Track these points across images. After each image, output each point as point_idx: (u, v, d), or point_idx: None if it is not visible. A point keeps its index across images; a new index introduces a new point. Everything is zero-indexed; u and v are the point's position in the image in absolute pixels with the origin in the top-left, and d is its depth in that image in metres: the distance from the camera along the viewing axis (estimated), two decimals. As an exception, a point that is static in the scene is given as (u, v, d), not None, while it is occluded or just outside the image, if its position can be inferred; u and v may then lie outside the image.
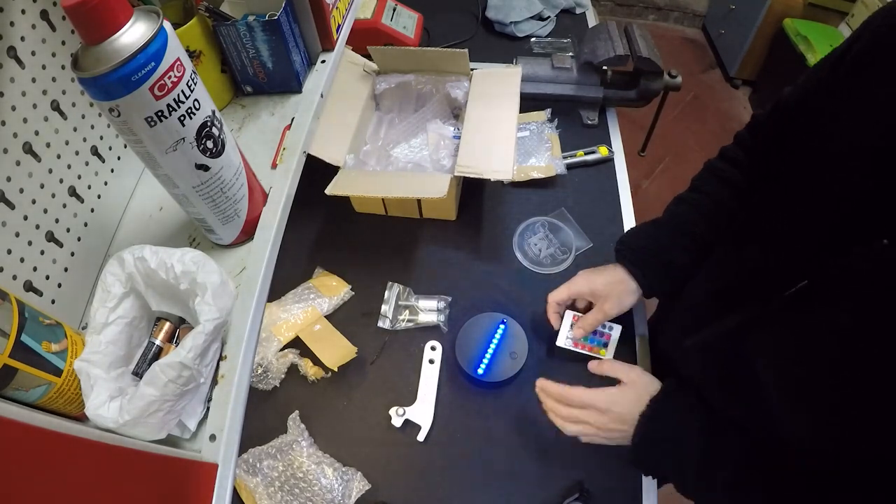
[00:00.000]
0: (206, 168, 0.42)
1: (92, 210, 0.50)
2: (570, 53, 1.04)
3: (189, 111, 0.38)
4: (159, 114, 0.36)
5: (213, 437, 0.42)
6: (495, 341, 0.74)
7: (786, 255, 0.48)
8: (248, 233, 0.50)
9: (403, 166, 0.86)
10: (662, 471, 0.58)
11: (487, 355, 0.72)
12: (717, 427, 0.53)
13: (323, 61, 0.63)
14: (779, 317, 0.48)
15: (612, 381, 0.60)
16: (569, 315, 0.72)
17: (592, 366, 0.63)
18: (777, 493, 0.48)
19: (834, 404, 0.43)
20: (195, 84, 0.39)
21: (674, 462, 0.54)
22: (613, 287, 0.68)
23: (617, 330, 0.72)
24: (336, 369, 0.71)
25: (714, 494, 0.52)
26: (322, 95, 0.60)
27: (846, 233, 0.41)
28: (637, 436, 0.55)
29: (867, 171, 0.41)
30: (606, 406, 0.57)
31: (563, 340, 0.72)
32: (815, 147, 0.47)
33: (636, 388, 0.58)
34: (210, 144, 0.41)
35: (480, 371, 0.71)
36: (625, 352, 0.74)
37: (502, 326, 0.75)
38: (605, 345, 0.72)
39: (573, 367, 0.73)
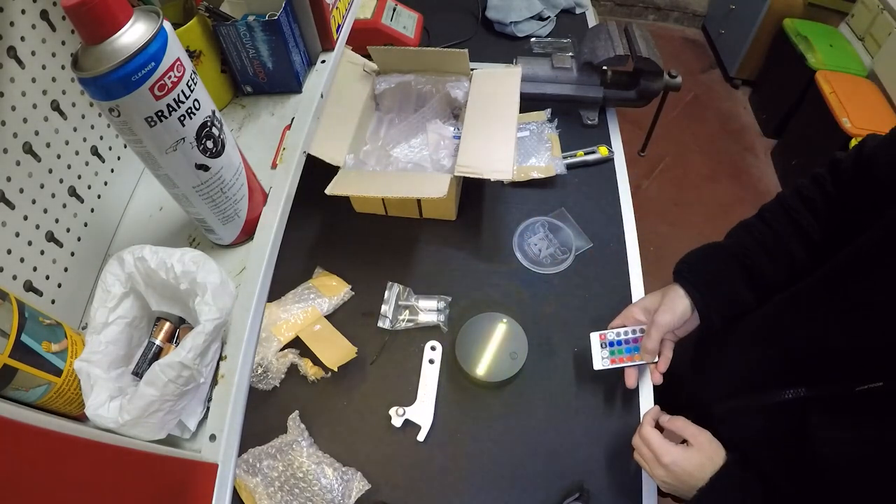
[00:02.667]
0: (206, 168, 0.42)
1: (92, 210, 0.50)
2: (570, 53, 1.04)
3: (189, 111, 0.38)
4: (159, 114, 0.36)
5: (213, 437, 0.42)
6: (495, 341, 0.74)
7: (868, 343, 0.46)
8: (248, 233, 0.50)
9: (403, 166, 0.86)
10: None
11: (488, 355, 0.72)
12: None
13: (323, 61, 0.63)
14: (850, 407, 0.47)
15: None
16: (594, 336, 0.68)
17: (664, 420, 0.60)
18: None
19: None
20: (195, 84, 0.39)
21: None
22: (667, 302, 0.64)
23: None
24: (336, 369, 0.71)
25: None
26: (322, 95, 0.60)
27: None
28: None
29: None
30: (669, 461, 0.56)
31: (598, 363, 0.67)
32: None
33: (702, 453, 0.56)
34: (210, 144, 0.41)
35: (481, 371, 0.71)
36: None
37: (502, 326, 0.75)
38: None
39: (574, 371, 0.73)
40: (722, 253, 0.64)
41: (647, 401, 0.70)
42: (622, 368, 0.67)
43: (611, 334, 0.68)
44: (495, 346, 0.73)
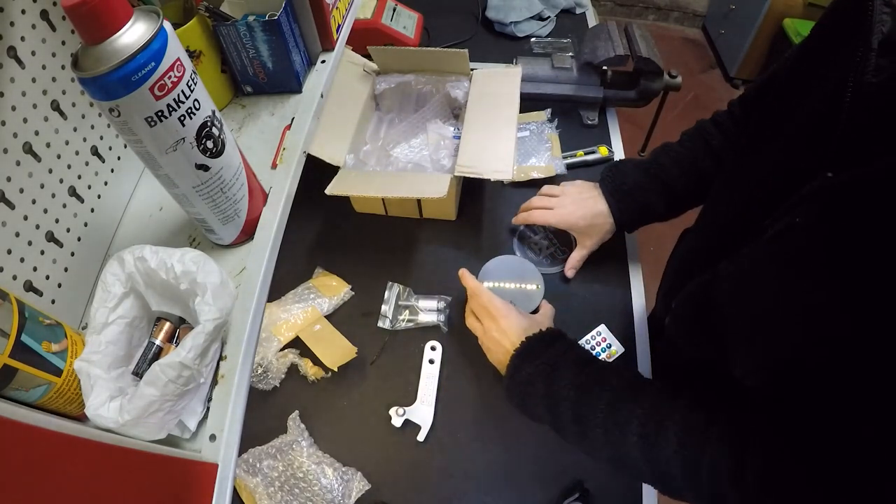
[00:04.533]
0: (206, 168, 0.42)
1: (92, 210, 0.50)
2: (570, 53, 1.04)
3: (189, 111, 0.38)
4: (159, 114, 0.36)
5: (213, 437, 0.42)
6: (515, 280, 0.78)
7: (750, 207, 0.49)
8: (248, 233, 0.50)
9: (403, 166, 0.86)
10: (531, 406, 0.59)
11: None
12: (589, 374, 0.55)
13: (323, 61, 0.63)
14: (743, 263, 0.48)
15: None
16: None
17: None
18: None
19: (780, 336, 0.43)
20: (195, 84, 0.39)
21: (544, 390, 0.56)
22: (592, 223, 0.75)
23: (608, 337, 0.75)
24: (336, 369, 0.71)
25: (594, 419, 0.52)
26: (322, 95, 0.60)
27: (798, 174, 0.43)
28: (511, 364, 0.60)
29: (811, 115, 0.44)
30: (502, 314, 0.63)
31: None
32: (775, 109, 0.51)
33: (535, 321, 0.64)
34: (210, 144, 0.41)
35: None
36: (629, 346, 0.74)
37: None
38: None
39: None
40: (641, 167, 0.74)
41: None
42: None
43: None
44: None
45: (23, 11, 0.41)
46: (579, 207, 0.76)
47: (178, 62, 0.36)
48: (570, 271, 0.80)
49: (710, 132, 0.70)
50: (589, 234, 0.76)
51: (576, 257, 0.78)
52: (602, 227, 0.75)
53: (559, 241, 0.86)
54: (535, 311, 0.76)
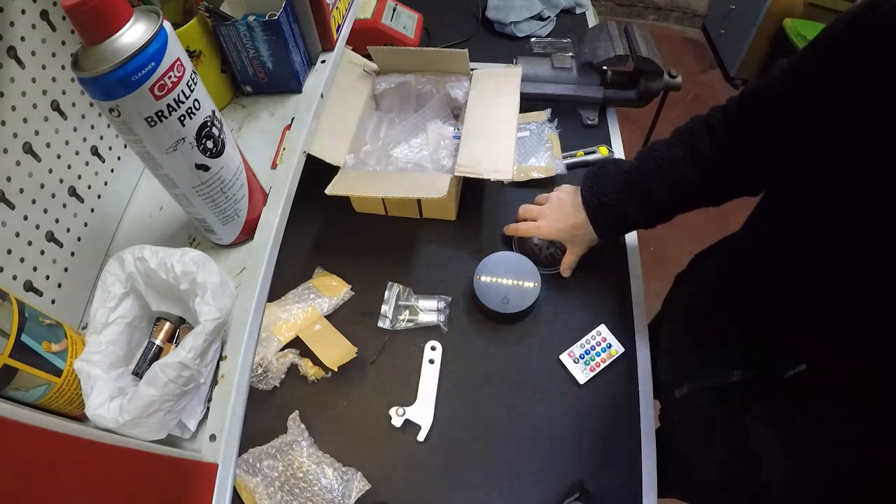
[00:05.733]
0: (206, 168, 0.42)
1: (92, 210, 0.50)
2: (570, 53, 1.04)
3: (189, 111, 0.38)
4: (159, 114, 0.36)
5: (213, 437, 0.42)
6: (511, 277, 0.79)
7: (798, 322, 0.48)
8: (248, 233, 0.50)
9: (403, 166, 0.86)
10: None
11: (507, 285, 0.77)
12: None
13: (323, 61, 0.63)
14: (779, 395, 0.49)
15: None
16: (565, 357, 0.74)
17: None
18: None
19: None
20: (195, 84, 0.39)
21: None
22: (573, 234, 0.77)
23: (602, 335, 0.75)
24: (336, 369, 0.71)
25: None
26: (322, 95, 0.60)
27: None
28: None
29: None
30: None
31: (582, 377, 0.73)
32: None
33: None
34: (210, 144, 0.41)
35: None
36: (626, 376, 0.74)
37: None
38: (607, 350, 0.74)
39: (574, 371, 0.73)
40: (622, 176, 0.71)
41: (646, 400, 0.70)
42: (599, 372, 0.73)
43: (576, 349, 0.74)
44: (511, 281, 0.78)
45: (23, 11, 0.41)
46: (559, 220, 0.77)
47: (178, 62, 0.36)
48: (565, 272, 0.81)
49: (701, 138, 0.65)
50: (573, 243, 0.78)
51: (567, 260, 0.79)
52: (583, 237, 0.76)
53: (556, 243, 0.85)
54: (531, 310, 0.76)
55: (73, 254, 0.47)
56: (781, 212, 0.51)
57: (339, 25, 0.63)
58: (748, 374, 0.53)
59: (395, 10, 1.09)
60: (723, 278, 0.64)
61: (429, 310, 0.78)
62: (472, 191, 0.92)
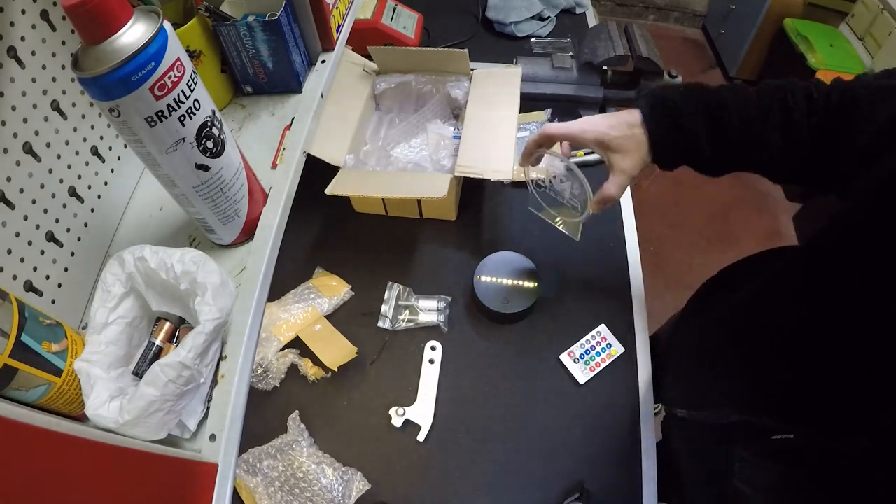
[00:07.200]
0: (206, 168, 0.42)
1: (92, 210, 0.50)
2: (570, 53, 1.04)
3: (189, 111, 0.38)
4: (159, 114, 0.36)
5: (213, 437, 0.42)
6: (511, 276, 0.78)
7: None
8: (248, 233, 0.50)
9: (403, 166, 0.86)
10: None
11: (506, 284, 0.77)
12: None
13: (323, 61, 0.63)
14: (763, 451, 0.49)
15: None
16: (565, 357, 0.73)
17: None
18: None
19: None
20: (195, 84, 0.39)
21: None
22: (626, 134, 0.56)
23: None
24: (336, 369, 0.71)
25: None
26: (322, 95, 0.60)
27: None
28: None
29: None
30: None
31: (582, 377, 0.72)
32: None
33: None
34: (210, 144, 0.41)
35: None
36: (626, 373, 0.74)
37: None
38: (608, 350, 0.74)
39: (573, 371, 0.73)
40: (695, 96, 0.55)
41: (646, 400, 0.70)
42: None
43: (576, 349, 0.74)
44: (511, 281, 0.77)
45: (23, 11, 0.41)
46: (605, 118, 0.58)
47: (178, 62, 0.36)
48: (601, 204, 0.60)
49: (798, 105, 0.51)
50: (624, 150, 0.56)
51: (612, 186, 0.57)
52: (638, 137, 0.56)
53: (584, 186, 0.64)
54: (531, 310, 0.76)
55: (73, 254, 0.47)
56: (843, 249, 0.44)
57: (339, 25, 0.63)
58: (742, 419, 0.53)
59: (395, 10, 1.09)
60: (747, 312, 0.57)
61: (429, 310, 0.78)
62: (472, 191, 0.92)
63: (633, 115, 0.56)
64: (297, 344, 0.75)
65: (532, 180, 0.68)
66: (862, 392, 0.40)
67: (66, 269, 0.46)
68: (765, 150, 0.53)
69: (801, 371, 0.46)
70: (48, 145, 0.44)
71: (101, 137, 0.51)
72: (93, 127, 0.50)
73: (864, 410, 0.40)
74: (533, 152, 0.63)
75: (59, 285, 0.46)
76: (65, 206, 0.46)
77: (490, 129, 0.80)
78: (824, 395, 0.44)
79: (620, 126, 0.56)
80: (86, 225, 0.49)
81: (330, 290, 0.80)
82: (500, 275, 0.77)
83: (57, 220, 0.45)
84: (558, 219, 0.70)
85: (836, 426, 0.43)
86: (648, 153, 0.56)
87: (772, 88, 0.54)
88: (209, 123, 0.41)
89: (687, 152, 0.56)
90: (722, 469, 0.55)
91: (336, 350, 0.73)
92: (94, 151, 0.50)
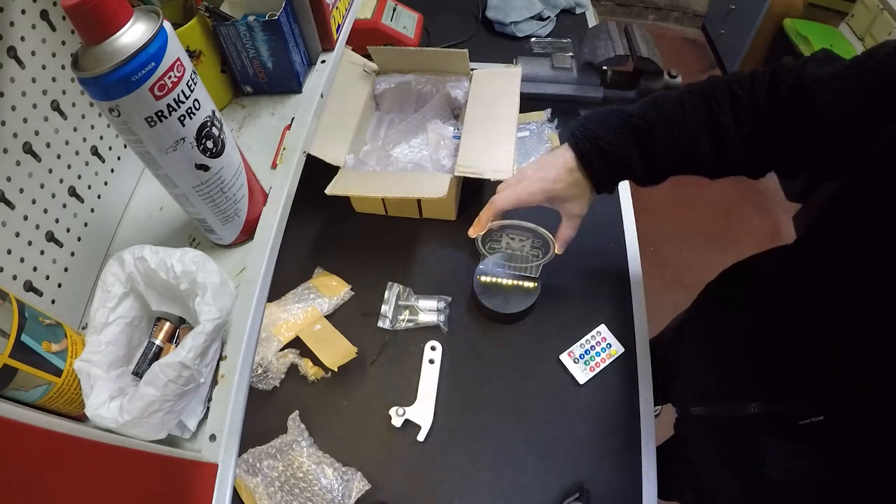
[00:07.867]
0: (206, 168, 0.42)
1: (92, 210, 0.50)
2: (570, 53, 1.04)
3: (189, 111, 0.38)
4: (159, 114, 0.36)
5: (213, 437, 0.42)
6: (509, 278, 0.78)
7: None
8: (248, 233, 0.50)
9: (403, 166, 0.86)
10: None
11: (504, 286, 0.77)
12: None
13: (323, 61, 0.63)
14: (797, 435, 0.49)
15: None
16: (565, 357, 0.73)
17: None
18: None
19: None
20: (195, 84, 0.39)
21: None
22: (569, 181, 0.60)
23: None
24: (336, 369, 0.71)
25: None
26: (322, 95, 0.60)
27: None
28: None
29: None
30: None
31: (582, 377, 0.72)
32: None
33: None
34: (210, 144, 0.41)
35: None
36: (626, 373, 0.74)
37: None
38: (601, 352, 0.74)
39: (573, 371, 0.73)
40: (622, 119, 0.58)
41: (646, 400, 0.70)
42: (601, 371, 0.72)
43: (576, 349, 0.74)
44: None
45: (23, 11, 0.41)
46: (541, 169, 0.61)
47: (178, 62, 0.36)
48: (564, 245, 0.66)
49: (723, 106, 0.54)
50: (573, 198, 0.61)
51: (569, 230, 0.63)
52: (581, 182, 0.60)
53: (530, 236, 0.80)
54: (531, 310, 0.76)
55: (73, 254, 0.47)
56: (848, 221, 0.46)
57: (339, 25, 0.63)
58: (766, 409, 0.53)
59: (395, 10, 1.09)
60: (760, 303, 0.59)
61: (429, 310, 0.78)
62: (472, 191, 0.92)
63: (567, 158, 0.60)
64: (297, 344, 0.75)
65: (486, 246, 0.75)
66: (892, 367, 0.41)
67: (66, 269, 0.46)
68: (697, 159, 0.56)
69: (827, 354, 0.47)
70: (48, 145, 0.44)
71: (101, 137, 0.51)
72: (93, 127, 0.50)
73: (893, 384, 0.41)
74: (485, 226, 0.66)
75: (59, 285, 0.46)
76: (65, 206, 0.46)
77: (490, 129, 0.80)
78: (854, 375, 0.44)
79: (562, 175, 0.59)
80: (86, 225, 0.49)
81: (330, 290, 0.80)
82: (500, 275, 0.77)
83: (57, 220, 0.45)
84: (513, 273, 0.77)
85: (869, 404, 0.43)
86: (592, 191, 0.61)
87: (696, 95, 0.56)
88: (209, 123, 0.41)
89: (623, 174, 0.60)
90: (751, 459, 0.55)
91: (336, 350, 0.73)
92: (94, 151, 0.50)
